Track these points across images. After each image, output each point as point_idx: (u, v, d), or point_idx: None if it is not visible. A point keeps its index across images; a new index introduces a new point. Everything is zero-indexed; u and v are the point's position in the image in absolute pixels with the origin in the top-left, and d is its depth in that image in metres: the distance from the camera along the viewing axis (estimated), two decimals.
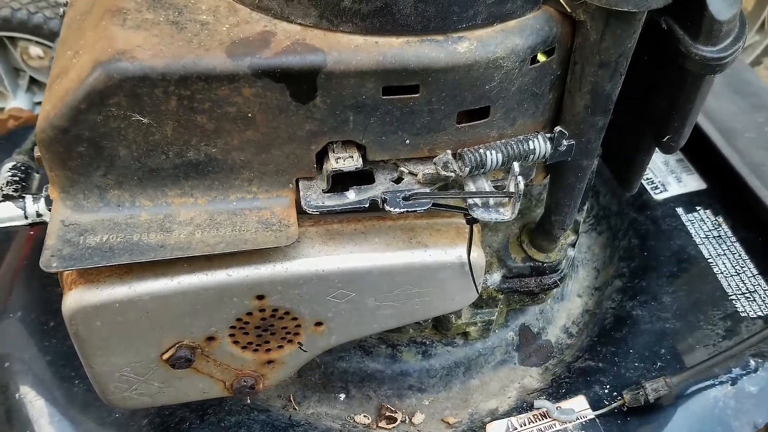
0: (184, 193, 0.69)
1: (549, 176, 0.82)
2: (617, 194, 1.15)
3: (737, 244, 1.03)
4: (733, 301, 0.97)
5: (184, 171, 0.68)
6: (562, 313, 1.04)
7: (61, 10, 0.93)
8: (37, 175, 0.90)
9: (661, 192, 1.12)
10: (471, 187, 0.70)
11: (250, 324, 0.73)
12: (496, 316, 0.93)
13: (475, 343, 0.96)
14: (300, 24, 0.65)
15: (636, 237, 1.07)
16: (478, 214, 0.68)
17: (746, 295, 0.97)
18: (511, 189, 0.67)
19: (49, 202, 0.79)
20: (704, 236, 1.05)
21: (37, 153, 0.71)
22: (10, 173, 0.87)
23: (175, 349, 0.72)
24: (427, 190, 0.69)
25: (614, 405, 0.87)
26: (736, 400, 0.87)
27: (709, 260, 1.02)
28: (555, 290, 0.95)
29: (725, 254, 1.02)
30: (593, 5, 0.64)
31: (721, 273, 1.00)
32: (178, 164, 0.67)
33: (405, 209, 0.66)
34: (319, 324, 0.76)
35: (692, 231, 1.05)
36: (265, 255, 0.69)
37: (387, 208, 0.66)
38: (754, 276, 0.99)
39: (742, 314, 0.95)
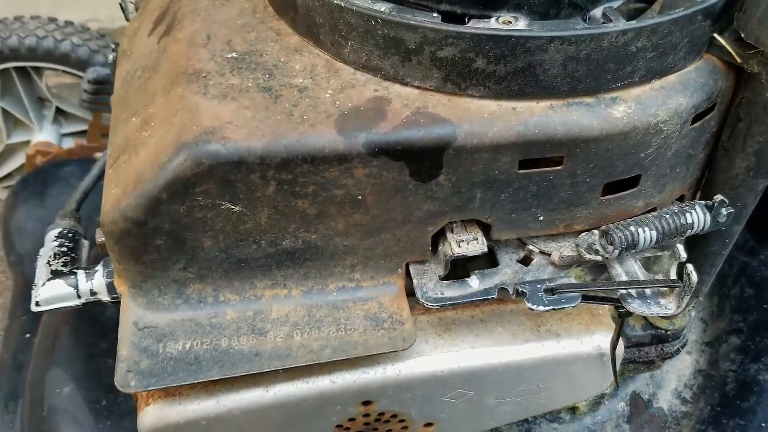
0: (276, 284, 0.58)
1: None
2: (718, 232, 1.03)
3: None
4: None
5: (277, 260, 0.57)
6: (672, 375, 0.93)
7: (110, 56, 0.82)
8: (86, 242, 0.80)
9: None
10: (618, 269, 0.59)
11: (350, 430, 0.62)
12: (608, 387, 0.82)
13: (583, 417, 0.85)
14: (418, 87, 0.54)
15: (750, 286, 0.95)
16: (635, 307, 0.57)
17: None
18: (673, 276, 0.56)
19: (107, 276, 0.69)
20: None
21: (99, 238, 0.61)
22: (56, 243, 0.76)
23: None
24: (571, 278, 0.57)
25: None
26: None
27: None
28: None
29: None
30: None
31: None
32: (271, 253, 0.56)
33: (551, 307, 0.55)
34: (429, 425, 0.65)
35: None
36: (375, 356, 0.58)
37: (529, 306, 0.55)
38: None
39: None
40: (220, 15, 0.62)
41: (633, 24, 0.51)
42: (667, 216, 0.58)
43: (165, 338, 0.56)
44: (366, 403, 0.60)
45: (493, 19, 0.52)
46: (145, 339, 0.55)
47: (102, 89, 1.20)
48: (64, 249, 0.76)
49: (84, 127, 1.38)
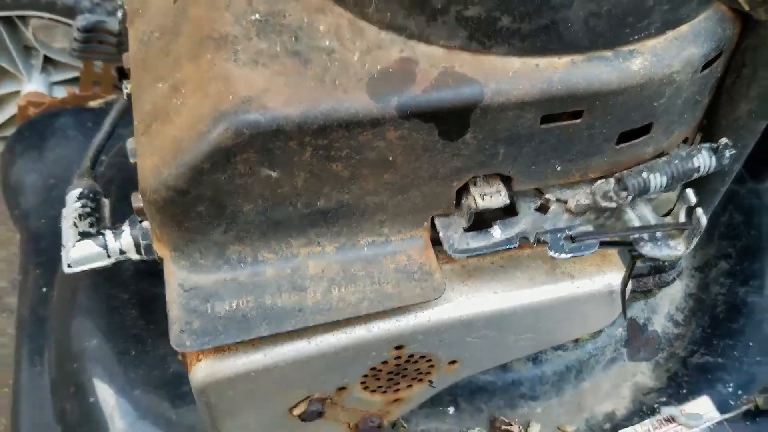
0: (310, 242, 0.61)
1: None
2: (720, 171, 1.07)
3: None
4: None
5: (311, 220, 0.60)
6: (665, 300, 0.99)
7: (119, 13, 0.81)
8: (106, 201, 0.81)
9: None
10: (631, 215, 0.63)
11: (383, 371, 0.67)
12: None
13: (585, 344, 0.91)
14: (443, 46, 0.55)
15: (739, 212, 1.01)
16: (647, 250, 0.61)
17: None
18: (682, 218, 0.60)
19: (141, 238, 0.71)
20: None
21: (136, 203, 0.62)
22: (79, 204, 0.78)
23: (306, 404, 0.66)
24: (588, 227, 0.61)
25: (744, 407, 0.84)
26: None
27: None
28: None
29: None
30: None
31: None
32: (305, 214, 0.59)
33: (572, 254, 0.59)
34: (453, 362, 0.69)
35: None
36: (406, 305, 0.62)
37: (551, 254, 0.59)
38: None
39: None
40: None
41: None
42: (677, 161, 0.62)
43: (212, 298, 0.59)
44: (398, 347, 0.64)
45: None
46: (193, 300, 0.58)
47: (92, 37, 1.18)
48: (88, 210, 0.77)
49: (73, 74, 1.36)
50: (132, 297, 0.97)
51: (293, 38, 0.56)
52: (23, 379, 0.98)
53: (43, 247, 1.12)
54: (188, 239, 0.58)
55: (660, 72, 0.56)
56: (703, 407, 0.85)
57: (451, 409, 0.89)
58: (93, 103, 1.29)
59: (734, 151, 0.64)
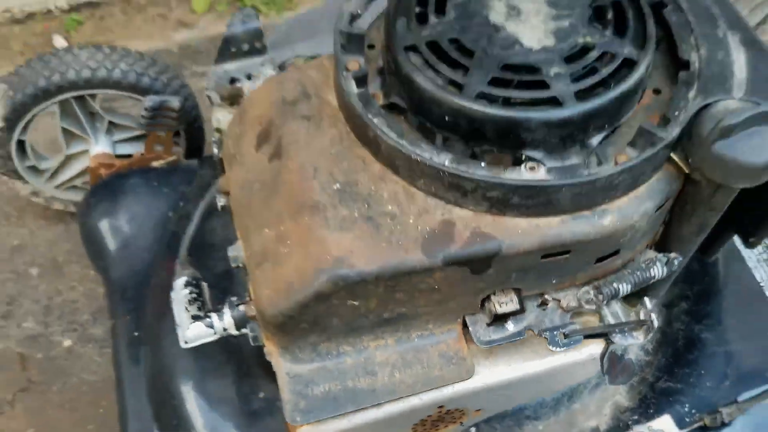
0: (377, 338, 0.86)
1: None
2: None
3: None
4: None
5: (378, 323, 0.84)
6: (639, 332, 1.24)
7: (214, 135, 1.03)
8: (205, 285, 1.05)
9: None
10: (607, 312, 0.87)
11: (428, 421, 0.92)
12: None
13: None
14: (472, 210, 0.79)
15: (696, 262, 1.25)
16: (617, 339, 0.86)
17: None
18: (642, 317, 0.85)
19: (239, 319, 0.95)
20: (756, 260, 1.23)
21: (249, 313, 0.87)
22: (187, 291, 1.01)
23: None
24: (577, 326, 0.86)
25: (696, 425, 1.10)
26: None
27: (761, 284, 1.21)
28: None
29: None
30: None
31: None
32: (375, 321, 0.83)
33: (565, 347, 0.84)
34: (478, 410, 0.95)
35: (745, 255, 1.23)
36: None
37: (550, 347, 0.84)
38: None
39: None
40: (317, 144, 0.84)
41: (618, 168, 0.75)
42: (638, 272, 0.86)
43: (310, 384, 0.83)
44: (440, 407, 0.89)
45: (522, 167, 0.76)
46: (297, 385, 0.83)
47: (158, 114, 1.40)
48: (194, 296, 1.01)
49: (132, 133, 1.57)
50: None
51: (366, 205, 0.79)
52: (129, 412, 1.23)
53: (130, 296, 1.36)
54: (291, 341, 0.83)
55: (624, 224, 0.79)
56: (665, 424, 1.11)
57: (473, 429, 1.15)
58: (156, 163, 1.51)
59: (681, 259, 0.89)
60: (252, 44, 1.08)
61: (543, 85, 0.75)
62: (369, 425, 0.86)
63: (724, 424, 1.08)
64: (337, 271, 0.75)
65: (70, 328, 1.60)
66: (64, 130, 1.52)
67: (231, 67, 1.08)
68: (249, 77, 1.07)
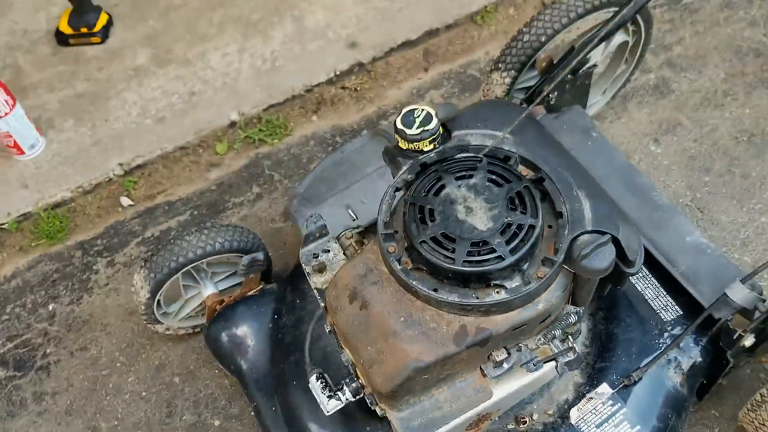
0: (438, 388, 1.63)
1: None
2: None
3: (652, 279, 2.03)
4: (660, 314, 1.97)
5: (438, 381, 1.61)
6: (581, 335, 2.03)
7: (316, 293, 1.78)
8: (325, 375, 1.80)
9: None
10: (552, 346, 1.66)
11: (473, 424, 1.70)
12: None
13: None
14: (474, 316, 1.56)
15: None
16: (560, 359, 1.64)
17: (664, 308, 1.97)
18: (570, 346, 1.64)
19: (354, 391, 1.72)
20: (636, 279, 2.03)
21: (367, 391, 1.64)
22: (320, 383, 1.77)
23: None
24: (538, 357, 1.64)
25: (621, 386, 1.89)
26: (675, 373, 1.91)
27: (642, 292, 2.01)
28: None
29: (648, 287, 2.01)
30: None
31: (649, 298, 2.00)
32: (436, 380, 1.60)
33: (536, 369, 1.62)
34: (498, 410, 1.73)
35: (632, 278, 2.03)
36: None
37: (528, 371, 1.62)
38: (665, 296, 1.99)
39: (665, 320, 1.96)
40: (384, 297, 1.60)
41: (540, 282, 1.53)
42: (562, 321, 1.64)
43: (410, 421, 1.60)
44: (478, 414, 1.67)
45: (493, 293, 1.53)
46: (403, 423, 1.60)
47: (252, 268, 2.15)
48: (323, 383, 1.77)
49: (226, 274, 2.32)
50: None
51: (419, 326, 1.56)
52: None
53: (261, 384, 2.12)
54: (396, 401, 1.60)
55: (549, 305, 1.56)
56: (604, 388, 1.90)
57: (497, 419, 1.93)
58: (251, 293, 2.26)
59: (583, 309, 1.67)
60: (321, 232, 1.83)
61: (493, 250, 1.52)
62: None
63: (635, 382, 1.87)
64: (414, 365, 1.52)
65: (216, 412, 2.35)
66: (183, 285, 2.26)
67: (311, 247, 1.83)
68: (326, 251, 1.82)
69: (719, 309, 1.86)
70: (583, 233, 1.55)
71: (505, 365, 1.64)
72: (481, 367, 1.64)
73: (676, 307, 1.99)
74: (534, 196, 1.59)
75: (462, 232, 1.54)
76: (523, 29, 2.29)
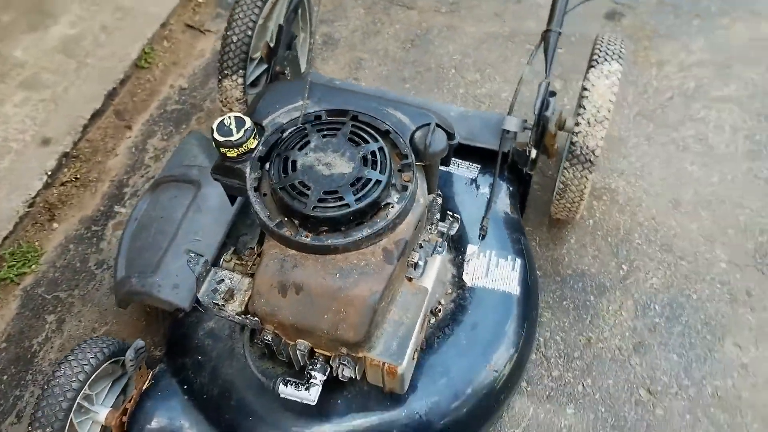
0: (389, 312, 1.84)
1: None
2: None
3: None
4: (470, 176, 2.43)
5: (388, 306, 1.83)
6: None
7: (229, 307, 1.83)
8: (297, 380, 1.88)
9: None
10: (440, 227, 1.98)
11: (422, 325, 1.96)
12: None
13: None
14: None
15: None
16: (449, 233, 1.98)
17: (469, 169, 2.44)
18: (447, 225, 1.98)
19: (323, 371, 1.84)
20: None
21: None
22: (291, 385, 1.84)
23: None
24: (436, 240, 1.95)
25: (481, 239, 2.30)
26: (504, 206, 2.39)
27: (447, 170, 2.45)
28: None
29: (451, 167, 2.46)
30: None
31: (457, 172, 2.44)
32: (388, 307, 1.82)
33: (442, 251, 1.93)
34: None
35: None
36: None
37: (438, 255, 1.92)
38: (464, 163, 2.46)
39: (476, 177, 2.43)
40: (310, 271, 1.75)
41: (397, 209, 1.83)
42: (436, 214, 1.98)
43: (390, 348, 1.80)
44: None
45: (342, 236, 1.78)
46: (383, 355, 1.79)
47: (139, 357, 2.05)
48: (292, 383, 1.85)
49: (106, 389, 2.15)
50: None
51: (340, 270, 1.75)
52: None
53: None
54: (368, 342, 1.77)
55: (424, 201, 1.88)
56: (471, 248, 2.30)
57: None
58: (146, 386, 2.14)
59: (437, 194, 2.02)
60: (206, 268, 1.87)
61: (341, 198, 1.74)
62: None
63: (485, 229, 2.31)
64: (372, 299, 1.71)
65: None
66: (78, 423, 2.05)
67: (206, 286, 1.86)
68: (220, 281, 1.86)
69: (506, 143, 2.38)
70: (414, 132, 1.88)
71: (420, 262, 1.92)
72: (406, 277, 1.89)
73: (478, 165, 2.46)
74: (386, 156, 1.82)
75: (317, 183, 1.72)
76: (228, 33, 2.49)
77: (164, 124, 3.23)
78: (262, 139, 1.88)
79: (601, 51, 2.39)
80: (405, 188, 1.81)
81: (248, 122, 1.83)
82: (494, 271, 2.29)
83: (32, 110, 3.17)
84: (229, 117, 1.84)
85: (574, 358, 2.48)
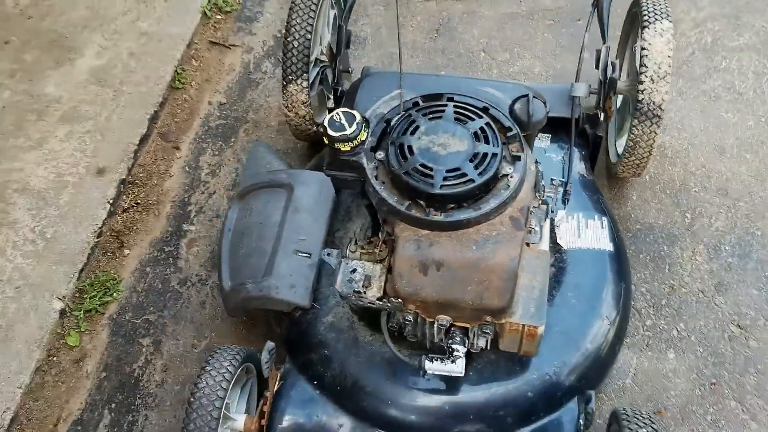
0: (519, 278, 1.93)
1: None
2: None
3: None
4: (542, 146, 2.53)
5: None
6: None
7: (369, 293, 1.89)
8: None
9: None
10: (549, 191, 2.08)
11: None
12: None
13: None
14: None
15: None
16: (559, 197, 2.07)
17: (541, 139, 2.54)
18: (556, 188, 2.08)
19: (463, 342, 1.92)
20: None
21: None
22: (438, 360, 1.91)
23: None
24: (547, 204, 2.04)
25: (566, 203, 2.40)
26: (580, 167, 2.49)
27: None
28: None
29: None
30: None
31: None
32: None
33: (555, 213, 2.02)
34: None
35: None
36: None
37: (553, 217, 2.01)
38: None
39: (548, 146, 2.53)
40: (448, 247, 1.82)
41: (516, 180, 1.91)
42: (542, 180, 2.07)
43: (528, 311, 1.89)
44: None
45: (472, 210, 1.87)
46: (532, 317, 1.88)
47: (272, 357, 2.09)
48: (438, 358, 1.93)
49: (236, 398, 2.19)
50: None
51: (480, 242, 1.83)
52: None
53: None
54: (511, 306, 1.86)
55: (534, 168, 1.97)
56: (561, 213, 2.40)
57: None
58: (277, 387, 2.19)
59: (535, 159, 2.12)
60: (339, 260, 1.93)
61: (464, 174, 1.83)
62: None
63: (569, 192, 2.41)
64: (511, 265, 1.79)
65: None
66: None
67: (341, 277, 1.92)
68: (353, 270, 1.93)
69: (576, 110, 2.49)
70: (512, 104, 1.97)
71: (537, 228, 2.01)
72: (527, 243, 1.98)
73: (548, 135, 2.56)
74: (495, 131, 1.90)
75: (438, 163, 1.80)
76: (288, 39, 2.55)
77: (212, 140, 3.26)
78: (370, 130, 1.95)
79: (649, 12, 2.52)
80: (516, 158, 1.90)
81: (358, 116, 1.90)
82: (585, 231, 2.39)
83: (79, 143, 3.17)
84: (338, 113, 1.90)
85: (663, 305, 2.60)
